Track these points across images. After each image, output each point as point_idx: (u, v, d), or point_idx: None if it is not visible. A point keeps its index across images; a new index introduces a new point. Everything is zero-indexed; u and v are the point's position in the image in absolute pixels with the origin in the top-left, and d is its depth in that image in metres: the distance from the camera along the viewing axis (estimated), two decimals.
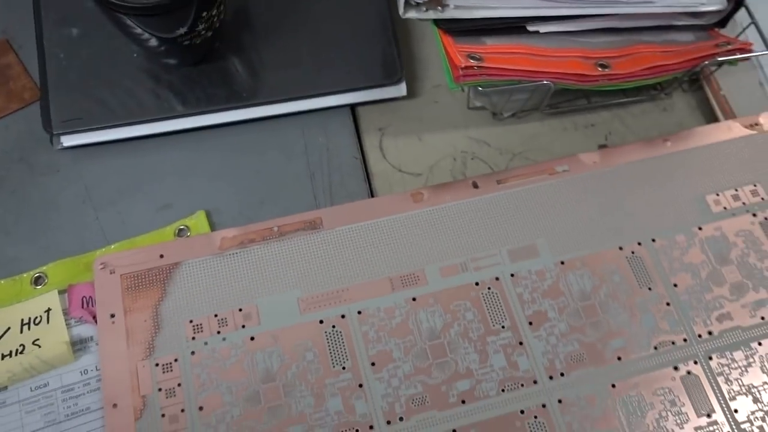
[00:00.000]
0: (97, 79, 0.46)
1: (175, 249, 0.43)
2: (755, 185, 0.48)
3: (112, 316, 0.40)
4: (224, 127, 0.48)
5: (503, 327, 0.42)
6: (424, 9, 0.44)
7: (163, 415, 0.38)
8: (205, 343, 0.40)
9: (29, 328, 0.40)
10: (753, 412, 0.40)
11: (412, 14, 0.44)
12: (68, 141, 0.46)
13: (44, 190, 0.45)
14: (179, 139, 0.47)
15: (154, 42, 0.43)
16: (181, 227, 0.44)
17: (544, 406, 0.40)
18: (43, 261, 0.42)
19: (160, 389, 0.39)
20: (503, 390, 0.40)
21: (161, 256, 0.42)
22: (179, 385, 0.39)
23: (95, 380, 0.39)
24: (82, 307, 0.41)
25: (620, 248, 0.45)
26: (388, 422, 0.39)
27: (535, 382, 0.40)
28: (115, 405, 0.38)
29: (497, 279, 0.43)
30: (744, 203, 0.47)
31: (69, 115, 0.45)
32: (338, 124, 0.49)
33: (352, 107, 0.50)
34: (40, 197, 0.45)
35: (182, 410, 0.38)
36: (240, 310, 0.41)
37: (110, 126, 0.46)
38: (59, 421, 0.38)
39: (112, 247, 0.43)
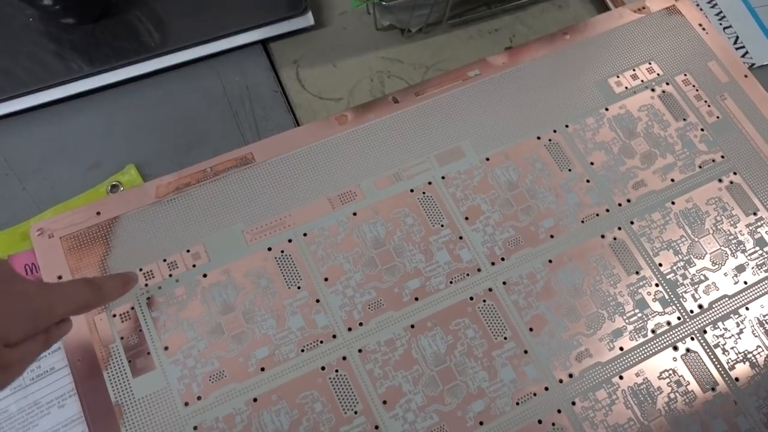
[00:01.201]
0: None
1: (111, 204, 0.43)
2: (650, 63, 0.51)
3: (60, 278, 0.40)
4: (140, 81, 0.47)
5: (442, 225, 0.44)
6: None
7: (130, 361, 0.39)
8: (159, 288, 0.41)
9: None
10: (675, 263, 0.44)
11: None
12: None
13: None
14: (96, 98, 0.47)
15: (48, 0, 0.42)
16: (114, 183, 0.44)
17: (490, 290, 0.43)
18: None
19: (122, 338, 0.39)
20: (451, 282, 0.43)
21: (98, 213, 0.42)
22: (140, 330, 0.39)
23: None
24: (26, 275, 0.40)
25: (538, 138, 0.48)
26: (349, 329, 0.41)
27: (479, 270, 0.43)
28: (80, 360, 0.38)
29: (430, 183, 0.45)
30: (642, 81, 0.51)
31: None
32: (253, 61, 0.49)
33: (264, 43, 0.50)
34: None
35: (148, 353, 0.39)
36: (188, 251, 0.42)
37: (20, 95, 0.45)
38: (25, 386, 0.38)
39: (47, 212, 0.43)
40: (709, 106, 0.50)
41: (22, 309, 0.28)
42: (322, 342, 0.40)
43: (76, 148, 0.45)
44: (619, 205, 0.46)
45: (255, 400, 0.38)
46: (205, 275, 0.41)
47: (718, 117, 0.50)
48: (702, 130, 0.49)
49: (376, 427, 0.38)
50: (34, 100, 0.45)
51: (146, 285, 0.41)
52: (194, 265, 0.41)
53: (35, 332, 0.29)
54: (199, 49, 0.48)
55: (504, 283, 0.43)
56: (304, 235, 0.43)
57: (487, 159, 0.46)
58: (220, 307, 0.40)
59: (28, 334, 0.28)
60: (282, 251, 0.42)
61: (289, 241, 0.43)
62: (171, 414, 0.38)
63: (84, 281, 0.33)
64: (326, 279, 0.42)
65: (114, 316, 0.40)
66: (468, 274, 0.43)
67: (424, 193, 0.45)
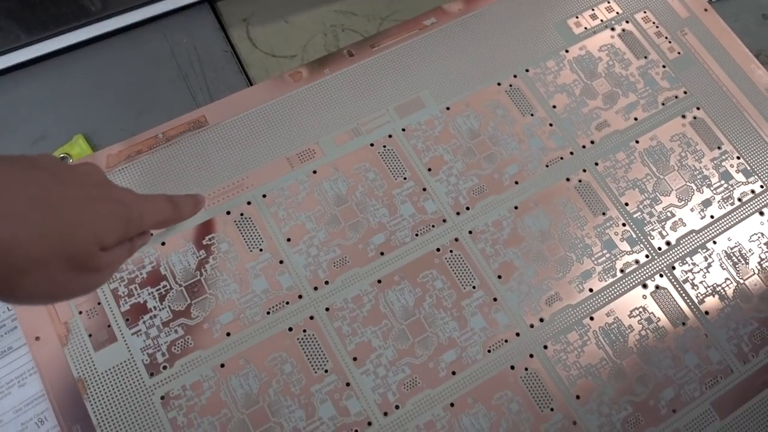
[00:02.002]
0: None
1: None
2: (609, 2, 0.50)
3: None
4: (82, 48, 0.45)
5: (405, 178, 0.43)
6: None
7: (90, 335, 0.38)
8: None
9: None
10: (641, 202, 0.44)
11: None
12: None
13: None
14: (36, 68, 0.45)
15: None
16: (62, 155, 0.42)
17: (457, 240, 0.42)
18: None
19: (80, 312, 0.38)
20: (417, 234, 0.42)
21: None
22: (99, 303, 0.38)
23: (10, 320, 0.38)
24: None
25: (498, 84, 0.47)
26: (315, 288, 0.40)
27: (444, 220, 0.42)
28: (37, 338, 0.37)
29: (390, 136, 0.44)
30: (602, 20, 0.50)
31: None
32: (199, 22, 0.47)
33: (211, 2, 0.48)
34: None
35: (108, 325, 0.38)
36: None
37: None
38: None
39: None
40: (669, 42, 0.49)
41: (119, 214, 0.29)
42: (288, 303, 0.39)
43: (19, 121, 0.43)
44: (583, 147, 0.45)
45: (222, 365, 0.37)
46: (163, 243, 0.40)
47: (679, 53, 0.49)
48: (664, 66, 0.48)
49: (347, 384, 0.38)
50: None
51: None
52: (152, 234, 0.40)
53: (126, 238, 0.30)
54: (143, 11, 0.46)
55: (470, 232, 0.42)
56: (264, 196, 0.42)
57: (448, 108, 0.45)
58: (181, 275, 0.39)
59: (120, 239, 0.29)
60: (241, 214, 0.41)
61: (248, 203, 0.41)
62: (136, 385, 0.37)
63: (166, 197, 0.35)
64: (288, 239, 0.41)
65: None
66: (433, 226, 0.42)
67: (384, 146, 0.44)
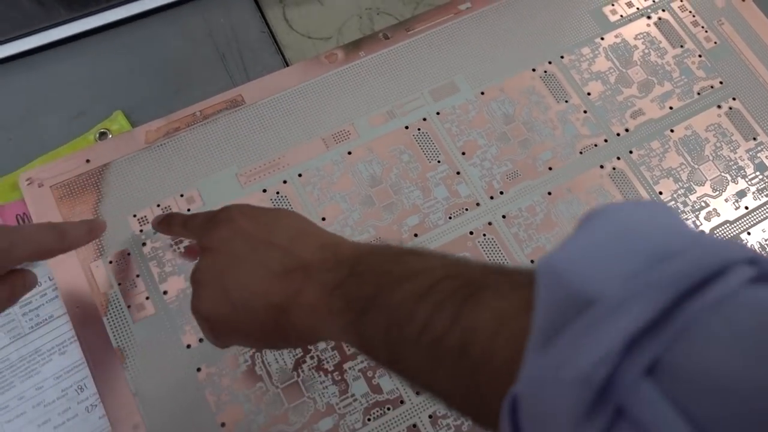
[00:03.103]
0: None
1: (100, 152, 0.42)
2: None
3: None
4: (121, 25, 0.46)
5: (439, 161, 0.43)
6: None
7: (129, 306, 0.38)
8: (155, 232, 0.40)
9: None
10: (675, 191, 0.44)
11: None
12: None
13: None
14: (77, 45, 0.45)
15: None
16: (102, 131, 0.43)
17: (490, 223, 0.42)
18: None
19: (119, 283, 0.39)
20: (450, 217, 0.42)
21: (87, 161, 0.41)
22: (138, 276, 0.39)
23: (51, 290, 0.39)
24: (19, 224, 0.40)
25: (533, 70, 0.47)
26: None
27: (477, 204, 0.43)
28: (78, 307, 0.38)
29: (425, 119, 0.44)
30: (638, 8, 0.49)
31: None
32: (237, 2, 0.48)
33: None
34: None
35: (147, 298, 0.38)
36: (181, 195, 0.41)
37: None
38: (25, 334, 0.37)
39: (35, 162, 0.42)
40: (706, 31, 0.49)
41: None
42: None
43: (60, 96, 0.44)
44: (618, 135, 0.45)
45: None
46: None
47: (715, 42, 0.49)
48: (700, 56, 0.48)
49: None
50: (13, 48, 0.44)
51: (141, 231, 0.40)
52: (189, 210, 0.41)
53: None
54: None
55: (503, 216, 0.42)
56: (299, 175, 0.42)
57: (482, 93, 0.46)
58: None
59: None
60: (277, 192, 0.42)
61: (284, 182, 0.42)
62: (174, 356, 0.37)
63: (48, 225, 0.33)
64: (323, 219, 0.41)
65: (110, 262, 0.39)
66: (467, 209, 0.42)
67: (419, 129, 0.44)
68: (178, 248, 0.40)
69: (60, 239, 0.33)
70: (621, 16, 0.49)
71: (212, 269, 0.32)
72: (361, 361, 0.38)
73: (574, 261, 0.19)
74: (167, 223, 0.38)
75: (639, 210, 0.21)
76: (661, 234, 0.19)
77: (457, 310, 0.23)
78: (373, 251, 0.30)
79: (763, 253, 0.43)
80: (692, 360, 0.16)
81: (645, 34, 0.49)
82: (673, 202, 0.44)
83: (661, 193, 0.44)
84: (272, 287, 0.30)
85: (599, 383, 0.16)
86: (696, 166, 0.45)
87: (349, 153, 0.43)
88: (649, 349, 0.16)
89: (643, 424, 0.16)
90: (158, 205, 0.41)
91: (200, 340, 0.38)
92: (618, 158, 0.45)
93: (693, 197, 0.44)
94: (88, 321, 0.38)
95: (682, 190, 0.44)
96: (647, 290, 0.17)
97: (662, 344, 0.16)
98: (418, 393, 0.38)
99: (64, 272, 0.39)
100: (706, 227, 0.43)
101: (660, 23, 0.49)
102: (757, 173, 0.45)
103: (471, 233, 0.42)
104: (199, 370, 0.37)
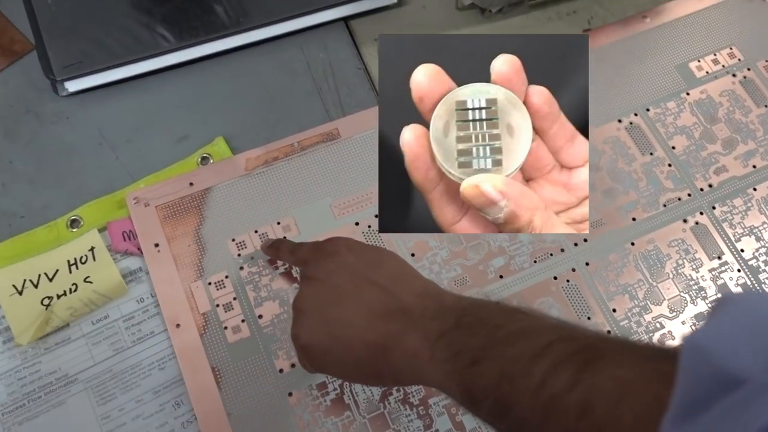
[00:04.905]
0: (89, 21, 0.46)
1: (203, 176, 0.44)
2: (731, 48, 0.51)
3: (156, 245, 0.41)
4: (225, 55, 0.48)
5: None
6: None
7: (225, 327, 0.40)
8: (252, 257, 0.42)
9: (77, 268, 0.40)
10: (757, 249, 0.45)
11: None
12: (73, 86, 0.46)
13: (58, 138, 0.45)
14: (183, 71, 0.48)
15: None
16: (204, 155, 0.45)
17: (573, 270, 0.43)
18: (73, 205, 0.43)
19: (218, 305, 0.40)
20: (535, 261, 0.43)
21: (191, 184, 0.43)
22: (235, 299, 0.41)
23: (153, 306, 0.40)
24: (124, 241, 0.41)
25: (619, 120, 0.48)
26: None
27: (562, 250, 0.44)
28: (178, 325, 0.40)
29: None
30: (723, 66, 0.50)
31: (69, 60, 0.45)
32: (335, 38, 0.50)
33: (346, 21, 0.50)
34: (56, 144, 0.45)
35: (242, 320, 0.40)
36: (278, 223, 0.43)
37: (112, 66, 0.46)
38: (127, 348, 0.39)
39: (140, 182, 0.44)
40: None
41: None
42: None
43: (165, 120, 0.46)
44: (701, 190, 0.46)
45: None
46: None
47: None
48: None
49: None
50: (124, 72, 0.46)
51: (239, 255, 0.42)
52: (285, 237, 0.42)
53: None
54: (284, 26, 0.48)
55: (587, 263, 0.43)
56: None
57: None
58: None
59: None
60: (369, 226, 0.43)
61: (376, 216, 0.43)
62: (266, 379, 0.39)
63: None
64: (413, 254, 0.43)
65: (210, 284, 0.41)
66: (551, 254, 0.43)
67: None
68: (275, 274, 0.41)
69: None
70: (707, 72, 0.50)
71: (315, 299, 0.33)
72: (445, 398, 0.39)
73: (720, 340, 0.20)
74: (276, 247, 0.40)
75: None
76: None
77: (575, 374, 0.24)
78: (479, 304, 0.31)
79: None
80: None
81: (730, 91, 0.49)
82: (754, 261, 0.44)
83: (742, 250, 0.44)
84: (372, 326, 0.31)
85: None
86: None
87: None
88: None
89: None
90: (256, 231, 0.42)
91: (292, 365, 0.39)
92: (701, 213, 0.45)
93: None
94: (186, 339, 0.39)
95: (765, 249, 0.45)
96: None
97: None
98: None
99: (166, 290, 0.40)
100: None
101: (745, 82, 0.50)
102: None
103: (555, 278, 0.43)
104: (290, 394, 0.39)
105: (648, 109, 0.48)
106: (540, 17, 0.53)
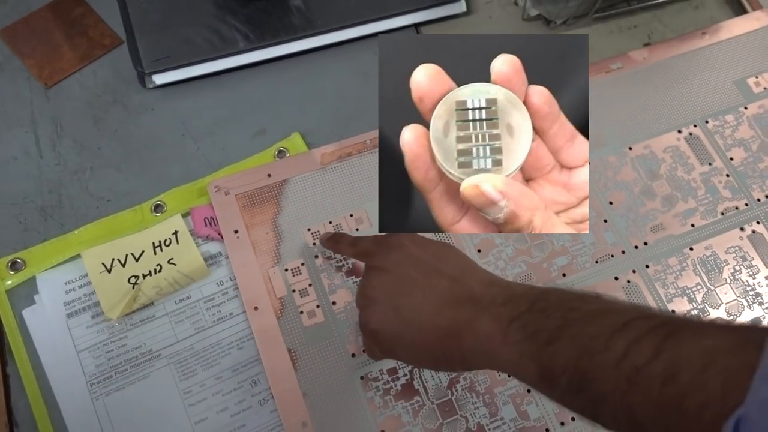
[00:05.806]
0: (178, 18, 0.49)
1: (280, 168, 0.46)
2: None
3: (236, 231, 0.43)
4: (302, 55, 0.50)
5: None
6: None
7: (301, 312, 0.42)
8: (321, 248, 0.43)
9: (161, 250, 0.43)
10: None
11: None
12: (160, 79, 0.48)
13: (144, 128, 0.48)
14: (260, 69, 0.50)
15: None
16: (280, 149, 0.47)
17: (634, 271, 0.44)
18: (156, 191, 0.45)
19: (293, 290, 0.42)
20: (597, 261, 0.45)
21: (269, 175, 0.45)
22: (310, 285, 0.43)
23: (232, 289, 0.42)
24: (206, 227, 0.44)
25: (679, 131, 0.49)
26: None
27: (623, 252, 0.45)
28: (256, 308, 0.42)
29: None
30: None
31: (157, 54, 0.48)
32: None
33: (417, 27, 0.53)
34: (142, 134, 0.47)
35: (317, 306, 0.42)
36: (351, 215, 0.45)
37: (196, 62, 0.48)
38: (207, 327, 0.41)
39: (220, 172, 0.46)
40: None
41: None
42: None
43: (243, 114, 0.49)
44: (758, 200, 0.47)
45: None
46: None
47: None
48: None
49: None
50: (208, 67, 0.49)
51: (314, 244, 0.44)
52: (357, 229, 0.44)
53: None
54: (359, 29, 0.51)
55: (647, 266, 0.45)
56: None
57: (630, 148, 0.48)
58: None
59: None
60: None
61: None
62: (340, 363, 0.41)
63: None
64: (479, 250, 0.44)
65: (286, 270, 0.43)
66: (612, 255, 0.45)
67: None
68: (346, 265, 0.43)
69: None
70: (764, 88, 0.51)
71: (384, 288, 0.35)
72: (511, 387, 0.41)
73: None
74: (335, 241, 0.41)
75: None
76: None
77: (659, 344, 0.26)
78: (550, 290, 0.32)
79: None
80: None
81: None
82: None
83: None
84: (443, 312, 0.33)
85: None
86: None
87: None
88: None
89: None
90: (330, 222, 0.44)
91: (363, 351, 0.41)
92: (757, 222, 0.47)
93: None
94: (264, 321, 0.41)
95: None
96: None
97: None
98: (563, 423, 0.40)
99: (245, 275, 0.42)
100: None
101: None
102: None
103: (616, 278, 0.44)
104: (362, 378, 0.40)
105: (707, 121, 0.50)
106: (602, 30, 0.55)
